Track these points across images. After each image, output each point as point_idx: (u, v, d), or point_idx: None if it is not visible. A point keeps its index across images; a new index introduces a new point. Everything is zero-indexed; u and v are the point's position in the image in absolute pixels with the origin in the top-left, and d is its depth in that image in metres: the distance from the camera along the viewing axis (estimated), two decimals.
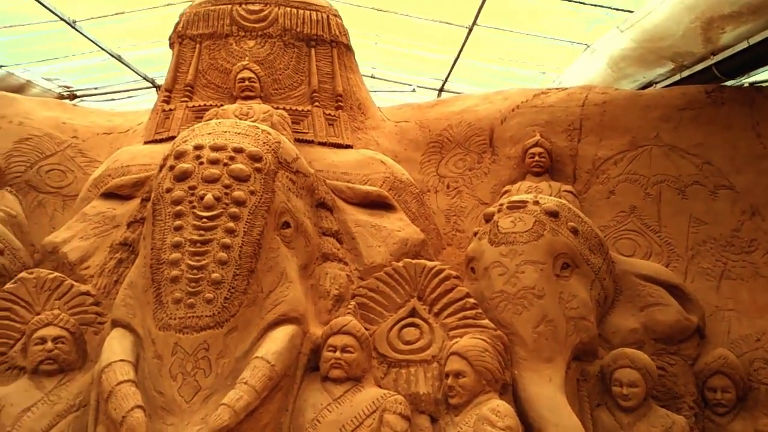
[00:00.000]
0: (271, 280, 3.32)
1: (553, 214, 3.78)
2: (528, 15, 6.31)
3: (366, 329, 3.43)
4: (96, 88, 8.47)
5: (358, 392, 3.21)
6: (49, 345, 3.21)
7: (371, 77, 8.51)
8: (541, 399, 3.36)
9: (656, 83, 5.96)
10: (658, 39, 5.21)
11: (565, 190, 4.72)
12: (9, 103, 5.56)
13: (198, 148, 3.46)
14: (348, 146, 4.78)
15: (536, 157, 4.93)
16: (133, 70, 7.92)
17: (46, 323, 3.28)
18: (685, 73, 5.49)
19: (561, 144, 5.07)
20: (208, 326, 3.05)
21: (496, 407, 3.08)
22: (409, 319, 3.57)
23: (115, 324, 3.29)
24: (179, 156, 3.46)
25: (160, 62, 7.85)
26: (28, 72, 7.55)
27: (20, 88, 7.43)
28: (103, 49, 7.08)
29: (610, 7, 5.59)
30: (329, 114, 4.88)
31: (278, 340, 3.15)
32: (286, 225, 3.54)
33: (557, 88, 5.52)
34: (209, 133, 3.61)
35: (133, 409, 2.84)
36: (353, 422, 3.08)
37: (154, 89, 8.64)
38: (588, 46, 6.33)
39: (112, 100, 8.76)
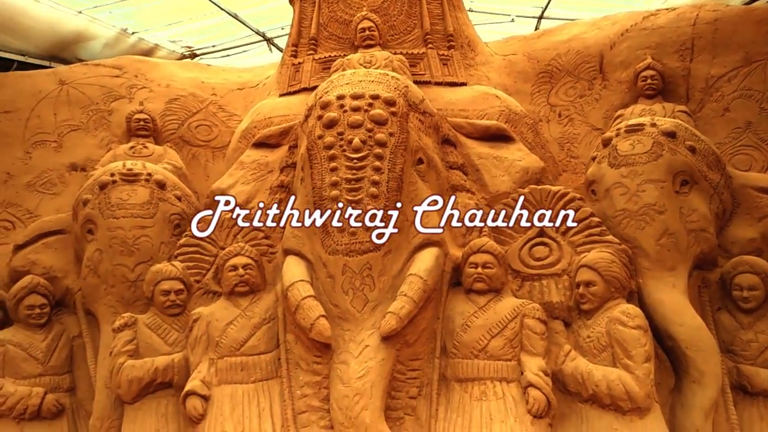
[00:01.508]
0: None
1: (671, 135, 3.99)
2: None
3: None
4: (214, 46, 9.10)
5: (499, 301, 3.71)
6: (241, 271, 3.88)
7: (469, 11, 8.60)
8: (665, 303, 3.73)
9: None
10: None
11: (679, 110, 4.85)
12: (154, 68, 6.25)
13: (340, 97, 3.89)
14: (462, 84, 5.08)
15: (648, 80, 5.06)
16: (248, 27, 8.46)
17: (236, 254, 3.94)
18: None
19: (673, 65, 5.16)
20: (369, 250, 3.60)
21: (626, 309, 3.49)
22: (538, 239, 3.99)
23: (287, 252, 3.89)
24: (325, 106, 3.91)
25: (271, 17, 8.38)
26: (156, 36, 8.27)
27: (149, 52, 8.17)
28: (222, 9, 7.65)
29: None
30: (442, 54, 5.19)
31: (426, 259, 3.66)
32: (420, 161, 3.96)
33: (666, 9, 5.54)
34: (347, 83, 4.03)
35: (318, 317, 3.48)
36: (498, 325, 3.61)
37: (265, 42, 9.19)
38: None
39: (228, 56, 9.37)
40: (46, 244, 4.70)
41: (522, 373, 3.49)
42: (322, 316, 3.49)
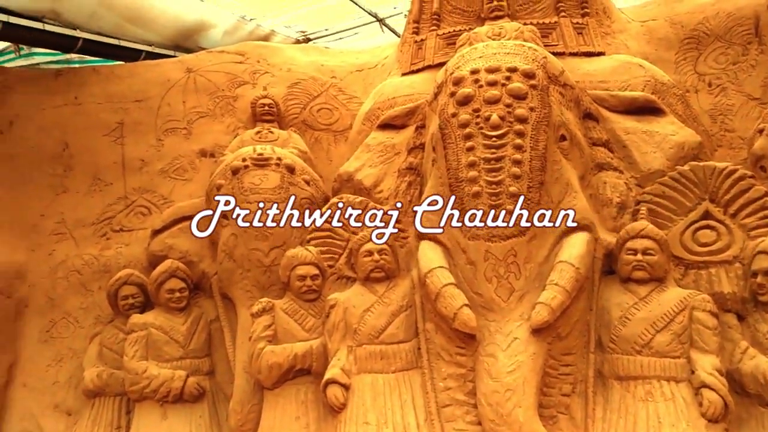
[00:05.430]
0: (559, 191, 3.51)
1: None
2: None
3: None
4: (326, 30, 9.12)
5: (663, 292, 3.38)
6: (376, 256, 3.79)
7: None
8: None
9: None
10: None
11: None
12: (275, 53, 6.26)
13: (474, 72, 3.64)
14: (600, 53, 4.67)
15: None
16: (361, 8, 8.38)
17: (370, 239, 3.83)
18: None
19: None
20: (513, 235, 3.36)
21: None
22: (703, 222, 3.60)
23: (422, 237, 3.72)
24: (457, 82, 3.67)
25: None
26: (271, 22, 8.37)
27: (265, 37, 8.27)
28: None
29: None
30: (577, 22, 4.78)
31: (576, 245, 3.37)
32: (563, 138, 3.65)
33: None
34: (480, 57, 3.76)
35: (462, 306, 3.29)
36: (663, 319, 3.29)
37: (378, 24, 9.08)
38: None
39: (340, 39, 9.36)
40: (181, 229, 4.83)
41: (693, 372, 3.16)
42: (466, 305, 3.30)
